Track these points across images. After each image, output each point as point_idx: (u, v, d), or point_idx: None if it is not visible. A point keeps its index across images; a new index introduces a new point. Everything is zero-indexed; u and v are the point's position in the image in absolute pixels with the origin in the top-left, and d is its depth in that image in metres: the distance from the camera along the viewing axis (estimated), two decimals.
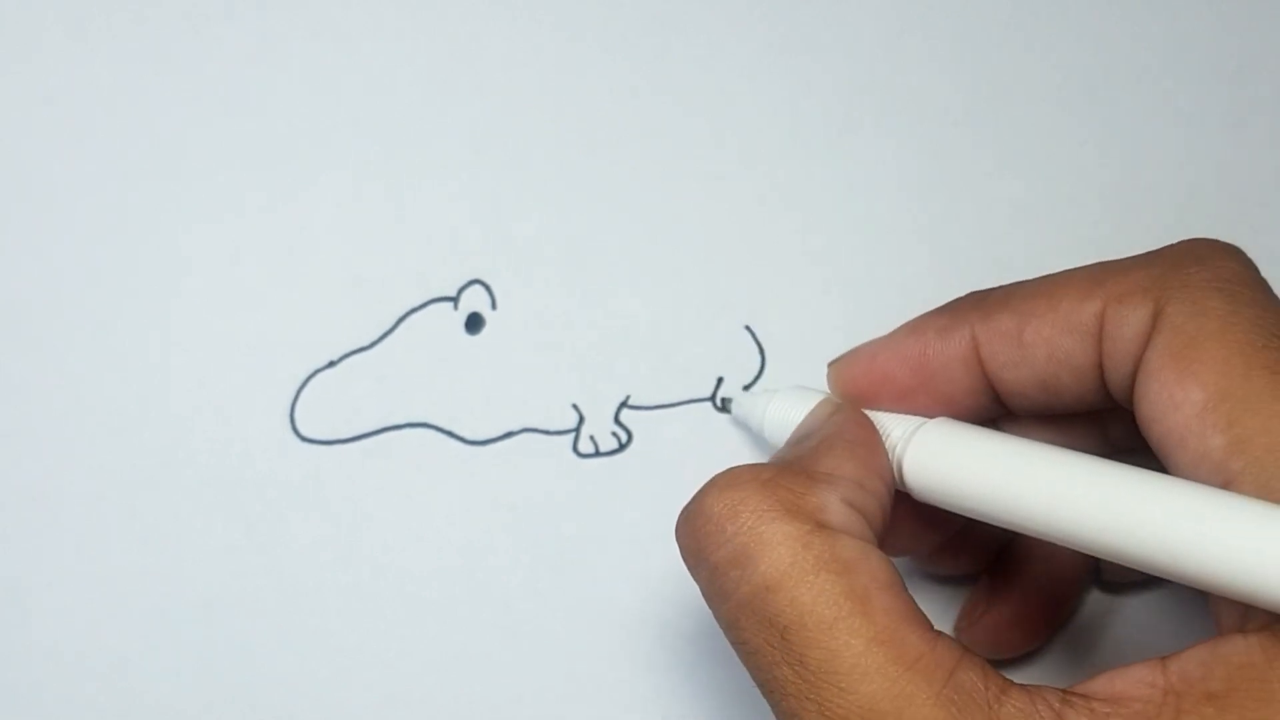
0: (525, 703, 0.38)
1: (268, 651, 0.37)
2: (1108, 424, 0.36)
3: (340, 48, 0.40)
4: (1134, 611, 0.42)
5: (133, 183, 0.38)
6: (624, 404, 0.40)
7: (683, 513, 0.31)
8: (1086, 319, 0.32)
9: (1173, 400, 0.29)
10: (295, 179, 0.39)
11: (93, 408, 0.37)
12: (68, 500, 0.37)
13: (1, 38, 0.38)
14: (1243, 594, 0.26)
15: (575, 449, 0.39)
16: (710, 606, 0.30)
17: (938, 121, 0.43)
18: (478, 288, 0.39)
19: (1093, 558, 0.38)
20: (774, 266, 0.41)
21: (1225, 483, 0.28)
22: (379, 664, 0.38)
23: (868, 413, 0.35)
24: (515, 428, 0.39)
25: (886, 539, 0.32)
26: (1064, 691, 0.28)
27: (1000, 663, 0.37)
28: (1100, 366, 0.32)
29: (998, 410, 0.35)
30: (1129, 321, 0.31)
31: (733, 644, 0.30)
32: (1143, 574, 0.39)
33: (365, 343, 0.39)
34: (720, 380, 0.40)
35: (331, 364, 0.38)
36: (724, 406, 0.40)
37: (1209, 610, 0.30)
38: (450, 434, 0.39)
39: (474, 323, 0.39)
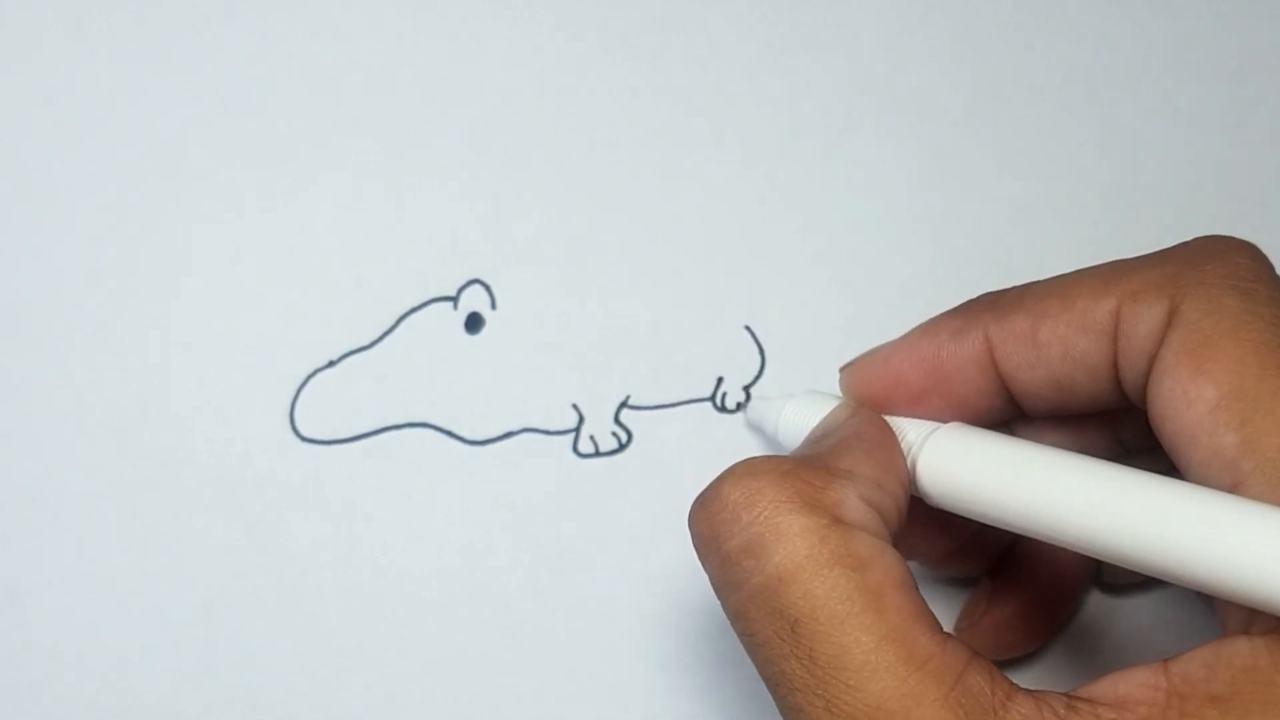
0: (525, 703, 0.38)
1: (268, 651, 0.37)
2: (1120, 425, 0.36)
3: (340, 47, 0.40)
4: (1134, 613, 0.42)
5: (133, 183, 0.38)
6: (624, 404, 0.39)
7: (698, 500, 0.31)
8: (1101, 317, 0.32)
9: (1186, 397, 0.29)
10: (295, 179, 0.39)
11: (93, 408, 0.37)
12: (68, 500, 0.37)
13: (1, 38, 0.38)
14: (1250, 599, 0.26)
15: (575, 449, 0.39)
16: (719, 596, 0.30)
17: (938, 121, 0.43)
18: (477, 287, 0.39)
19: (1094, 560, 0.39)
20: (774, 266, 0.41)
21: (1235, 482, 0.28)
22: (379, 664, 0.38)
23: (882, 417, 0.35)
24: (515, 428, 0.39)
25: (899, 543, 0.31)
26: (1068, 696, 0.28)
27: (1000, 664, 0.37)
28: (1115, 365, 0.32)
29: (1011, 412, 0.35)
30: (1144, 319, 0.31)
31: (740, 635, 0.30)
32: (1143, 576, 0.39)
33: (365, 342, 0.39)
34: (720, 380, 0.40)
35: (331, 364, 0.38)
36: (731, 406, 0.40)
37: (1213, 612, 0.30)
38: (450, 434, 0.39)
39: (474, 322, 0.39)
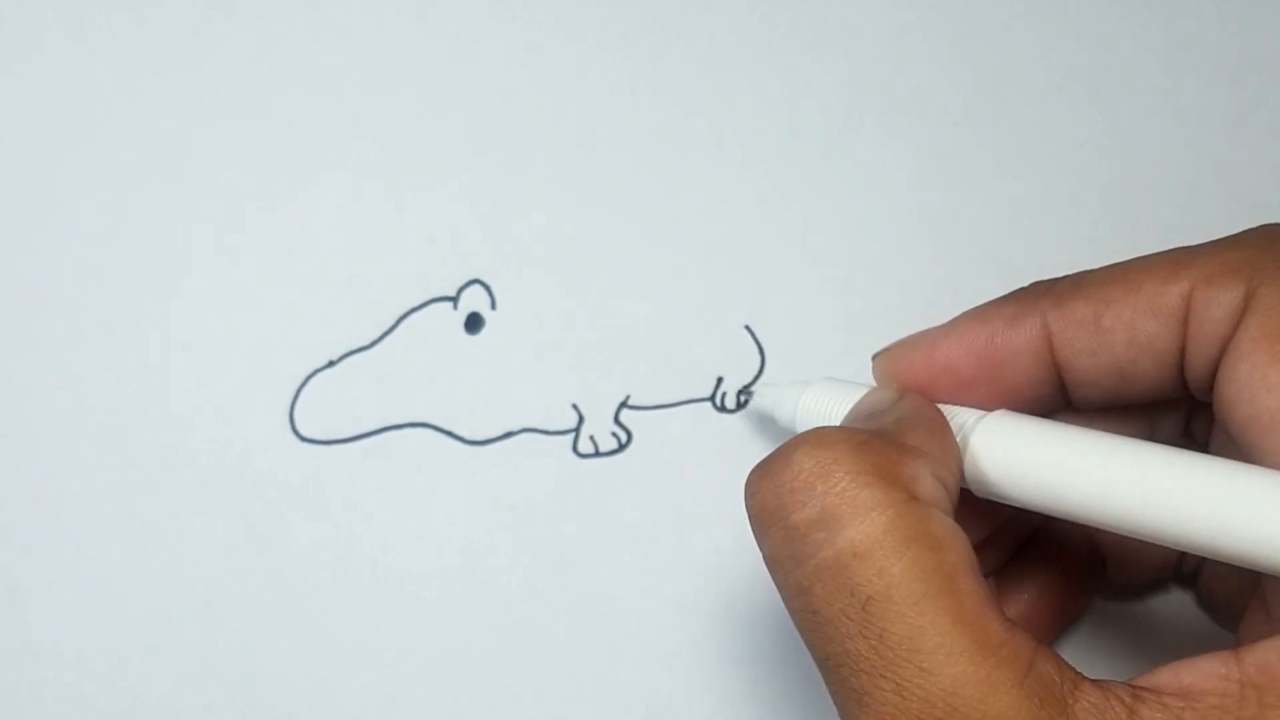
0: (525, 703, 0.38)
1: (268, 651, 0.37)
2: (1157, 418, 0.36)
3: (340, 47, 0.40)
4: (1136, 617, 0.42)
5: (133, 183, 0.38)
6: (624, 404, 0.39)
7: (761, 468, 0.29)
8: (1171, 301, 0.31)
9: (1265, 382, 0.29)
10: (295, 179, 0.39)
11: (93, 408, 0.37)
12: (68, 500, 0.37)
13: (1, 38, 0.38)
14: None
15: (575, 449, 0.39)
16: (777, 569, 0.29)
17: (938, 121, 0.43)
18: (477, 287, 0.39)
19: (1100, 561, 0.38)
20: (774, 266, 0.41)
21: None
22: (379, 664, 0.38)
23: None
24: (515, 428, 0.39)
25: None
26: (1132, 686, 0.27)
27: None
28: (1182, 351, 0.32)
29: (1057, 403, 0.35)
30: (1220, 302, 0.30)
31: (798, 612, 0.28)
32: (1148, 580, 0.39)
33: (365, 342, 0.39)
34: (720, 380, 0.40)
35: (331, 364, 0.38)
36: (731, 406, 0.40)
37: (1262, 601, 0.30)
38: (450, 434, 0.39)
39: (474, 322, 0.39)
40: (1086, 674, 0.28)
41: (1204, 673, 0.27)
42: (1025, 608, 0.38)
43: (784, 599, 0.29)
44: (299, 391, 0.38)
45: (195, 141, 0.39)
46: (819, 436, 0.29)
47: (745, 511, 0.30)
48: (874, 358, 0.36)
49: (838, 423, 0.34)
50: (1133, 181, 0.44)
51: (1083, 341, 0.33)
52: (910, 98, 0.43)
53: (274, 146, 0.39)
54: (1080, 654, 0.41)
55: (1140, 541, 0.31)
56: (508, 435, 0.39)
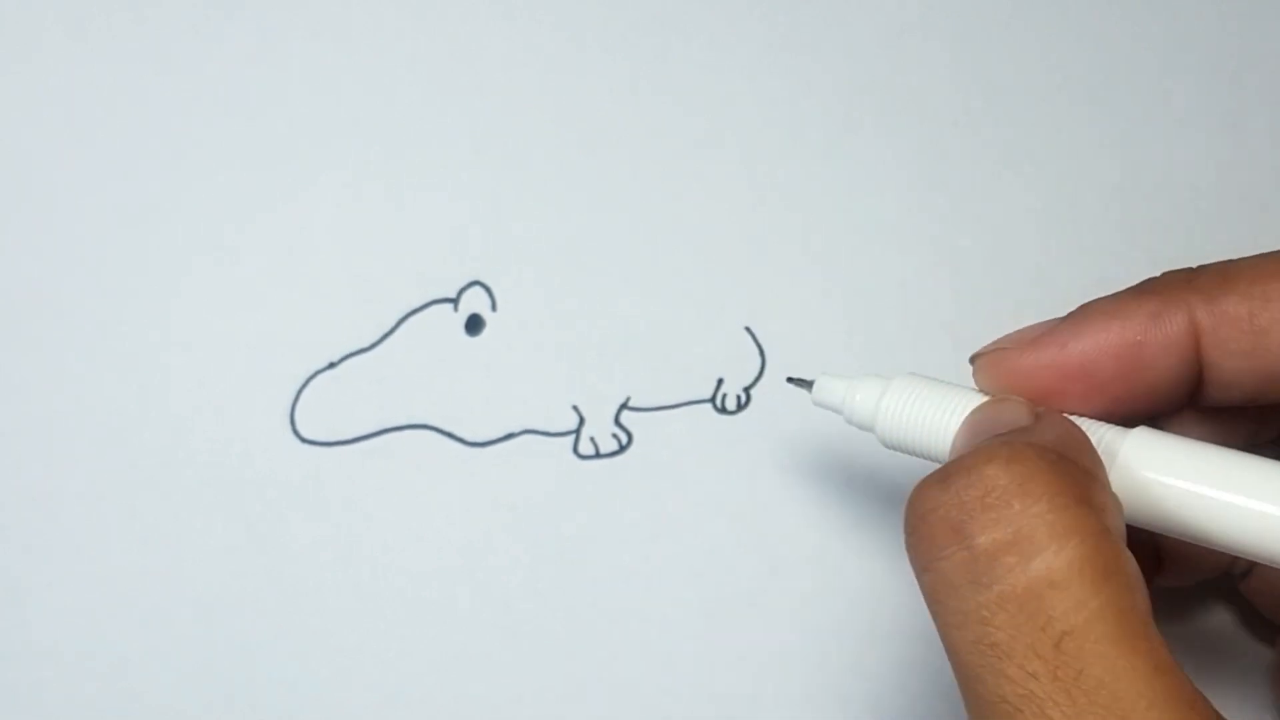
0: (525, 703, 0.38)
1: (268, 652, 0.37)
2: (1268, 419, 0.34)
3: (340, 48, 0.40)
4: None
5: (133, 183, 0.38)
6: (624, 405, 0.40)
7: (938, 480, 0.26)
8: None
9: None
10: (296, 180, 0.39)
11: (93, 408, 0.37)
12: (68, 501, 0.37)
13: (1, 38, 0.38)
14: None
15: (575, 450, 0.39)
16: (949, 595, 0.26)
17: (938, 122, 0.43)
18: (478, 289, 0.39)
19: (1158, 562, 0.37)
20: (774, 267, 0.41)
21: None
22: (379, 664, 0.38)
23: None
24: (515, 429, 0.39)
25: None
26: None
27: None
28: None
29: (1180, 403, 0.33)
30: None
31: (969, 645, 0.25)
32: (1199, 580, 0.38)
33: (365, 344, 0.39)
34: (720, 381, 0.40)
35: (331, 365, 0.38)
36: (731, 408, 0.40)
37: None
38: (450, 435, 0.39)
39: (474, 324, 0.39)
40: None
41: None
42: None
43: (947, 627, 0.26)
44: (300, 392, 0.38)
45: (195, 142, 0.39)
46: (1012, 450, 0.26)
47: (906, 525, 0.27)
48: (976, 358, 0.33)
49: (939, 429, 0.32)
50: (1132, 182, 0.44)
51: (1237, 342, 0.30)
52: (910, 98, 0.43)
53: (274, 147, 0.39)
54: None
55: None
56: (508, 437, 0.39)
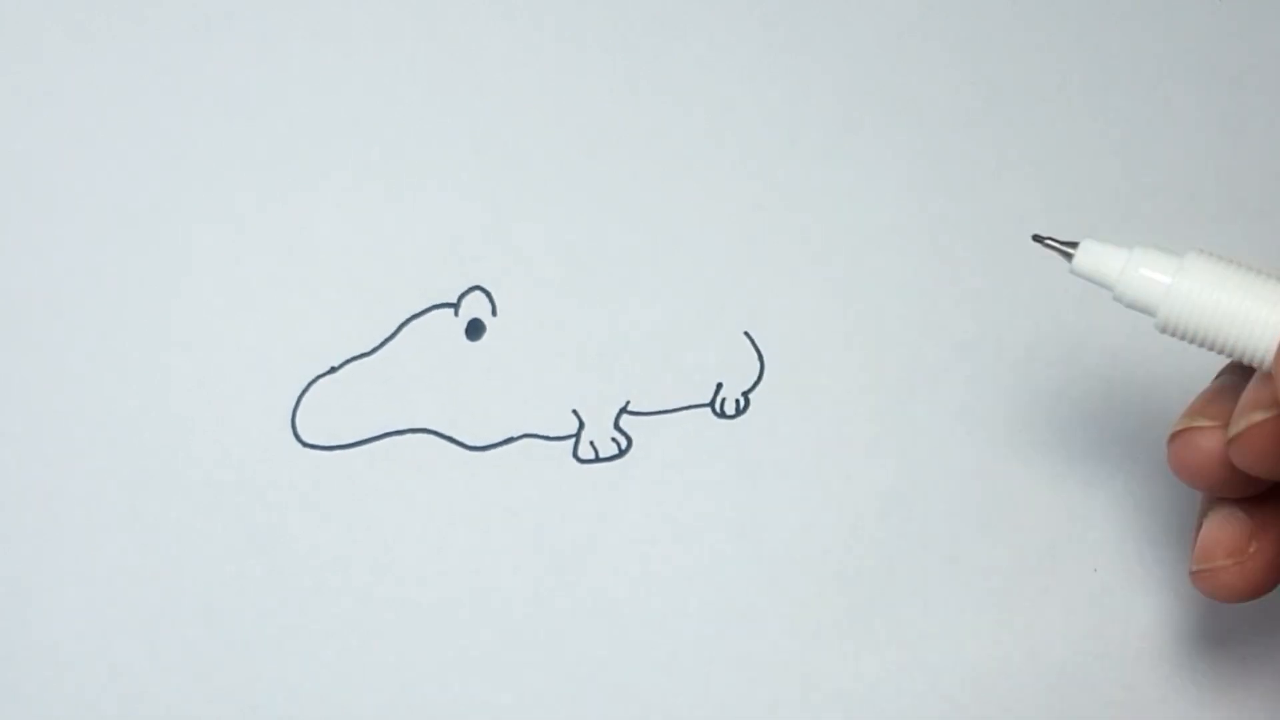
0: (526, 706, 0.38)
1: (269, 655, 0.38)
2: None
3: (340, 49, 0.40)
4: None
5: (133, 188, 0.38)
6: (624, 409, 0.40)
7: None
8: None
9: None
10: (296, 183, 0.39)
11: (94, 412, 0.37)
12: (69, 505, 0.37)
13: (1, 38, 0.38)
14: None
15: (575, 454, 0.39)
16: None
17: (937, 124, 0.43)
18: (478, 294, 0.39)
19: None
20: (773, 271, 0.41)
21: None
22: (380, 667, 0.38)
23: None
24: (516, 433, 0.39)
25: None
26: None
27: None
28: None
29: None
30: None
31: None
32: None
33: (366, 348, 0.39)
34: (719, 385, 0.40)
35: (333, 370, 0.38)
36: (730, 412, 0.40)
37: None
38: (451, 440, 0.39)
39: (475, 329, 0.39)
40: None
41: None
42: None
43: None
44: (301, 397, 0.38)
45: (196, 144, 0.39)
46: None
47: None
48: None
49: (1257, 323, 0.29)
50: (1132, 185, 0.44)
51: None
52: (910, 98, 0.43)
53: (275, 150, 0.39)
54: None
55: None
56: (508, 441, 0.39)
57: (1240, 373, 0.31)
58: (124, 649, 0.37)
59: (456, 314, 0.39)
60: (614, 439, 0.39)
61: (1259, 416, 0.28)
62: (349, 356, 0.39)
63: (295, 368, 0.38)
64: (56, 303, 0.38)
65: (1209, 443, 0.30)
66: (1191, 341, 0.30)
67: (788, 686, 0.39)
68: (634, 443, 0.40)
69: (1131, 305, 0.30)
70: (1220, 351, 0.30)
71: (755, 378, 0.40)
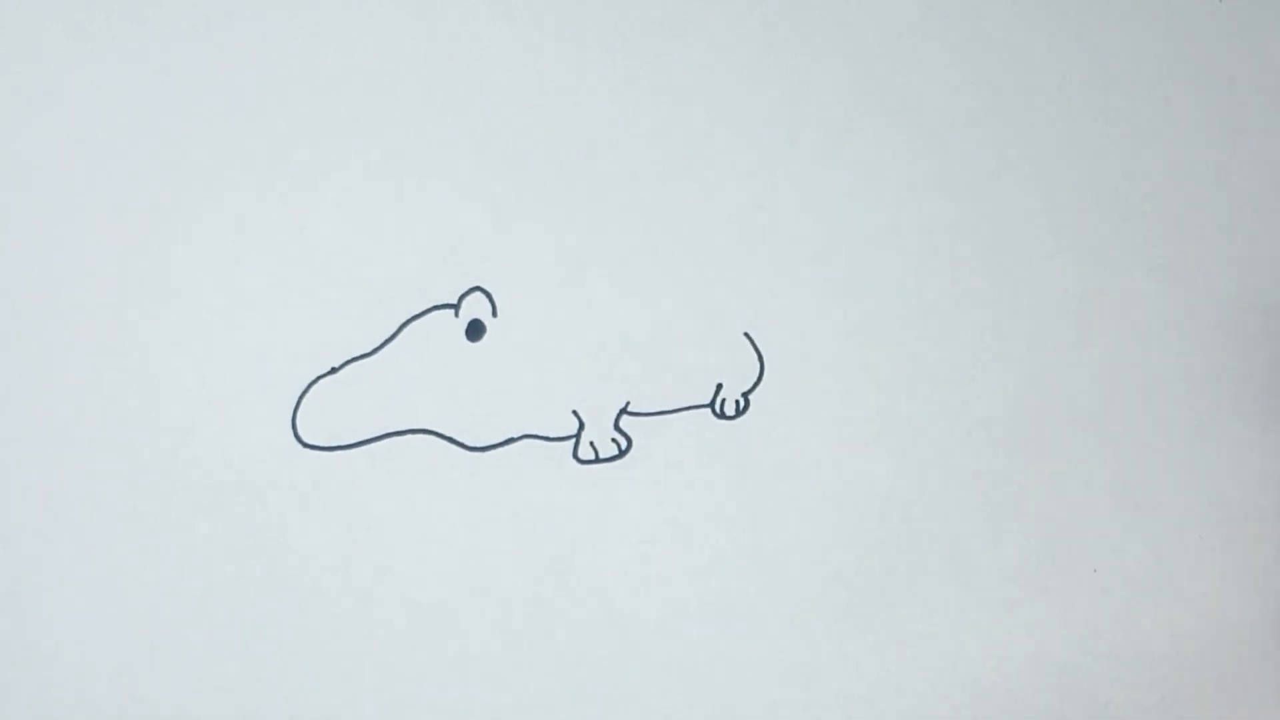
0: (526, 705, 0.38)
1: (270, 654, 0.38)
2: None
3: (340, 48, 0.40)
4: None
5: (134, 190, 0.38)
6: (624, 410, 0.40)
7: None
8: None
9: None
10: (296, 184, 0.39)
11: (95, 413, 0.37)
12: (70, 505, 0.37)
13: (1, 38, 0.38)
14: None
15: (575, 455, 0.39)
16: None
17: (937, 126, 0.43)
18: (478, 295, 0.39)
19: None
20: (773, 271, 0.41)
21: None
22: (381, 666, 0.38)
23: None
24: (516, 434, 0.39)
25: None
26: None
27: None
28: None
29: None
30: None
31: None
32: None
33: (367, 349, 0.39)
34: (719, 386, 0.40)
35: (333, 370, 0.38)
36: (730, 413, 0.40)
37: None
38: (451, 440, 0.39)
39: (475, 330, 0.39)
40: None
41: None
42: None
43: None
44: (301, 398, 0.38)
45: (196, 146, 0.39)
46: None
47: None
48: None
49: None
50: (1131, 187, 0.44)
51: None
52: (910, 102, 0.43)
53: (276, 152, 0.39)
54: None
55: None
56: (509, 441, 0.39)
57: None
58: (124, 649, 0.37)
59: (457, 315, 0.39)
60: (614, 439, 0.39)
61: None
62: (350, 357, 0.39)
63: (296, 368, 0.38)
64: (56, 303, 0.38)
65: None
66: None
67: (788, 686, 0.39)
68: (634, 443, 0.40)
69: None
70: None
71: (755, 378, 0.41)
